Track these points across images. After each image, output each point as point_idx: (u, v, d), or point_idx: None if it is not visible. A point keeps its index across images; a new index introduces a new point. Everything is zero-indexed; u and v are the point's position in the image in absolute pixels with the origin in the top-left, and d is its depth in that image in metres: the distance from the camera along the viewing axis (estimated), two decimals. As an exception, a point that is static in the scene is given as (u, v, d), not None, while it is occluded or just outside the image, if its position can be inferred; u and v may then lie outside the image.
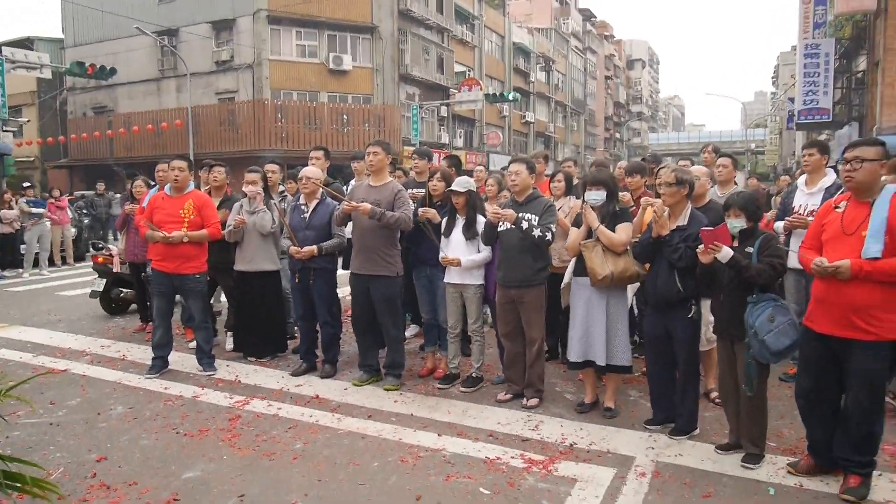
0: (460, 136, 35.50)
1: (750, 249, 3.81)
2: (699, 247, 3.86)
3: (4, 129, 21.49)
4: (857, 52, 24.90)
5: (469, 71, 36.00)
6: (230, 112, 26.73)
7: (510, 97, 31.97)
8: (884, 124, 18.77)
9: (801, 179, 5.60)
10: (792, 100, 34.40)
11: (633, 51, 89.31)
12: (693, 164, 7.85)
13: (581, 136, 58.93)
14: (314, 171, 5.70)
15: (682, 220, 4.26)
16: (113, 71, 23.10)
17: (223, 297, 7.02)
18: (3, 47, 20.52)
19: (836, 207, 3.60)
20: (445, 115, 33.36)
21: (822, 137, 31.62)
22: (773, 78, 62.52)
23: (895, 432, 4.38)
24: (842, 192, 3.73)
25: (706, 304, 4.49)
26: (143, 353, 6.39)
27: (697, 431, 4.32)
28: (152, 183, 7.29)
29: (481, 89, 30.71)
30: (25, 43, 30.27)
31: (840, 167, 3.85)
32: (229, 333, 6.62)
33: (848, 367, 3.44)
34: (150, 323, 7.20)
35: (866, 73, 22.93)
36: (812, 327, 3.58)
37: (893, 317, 3.32)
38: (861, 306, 3.33)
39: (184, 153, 23.93)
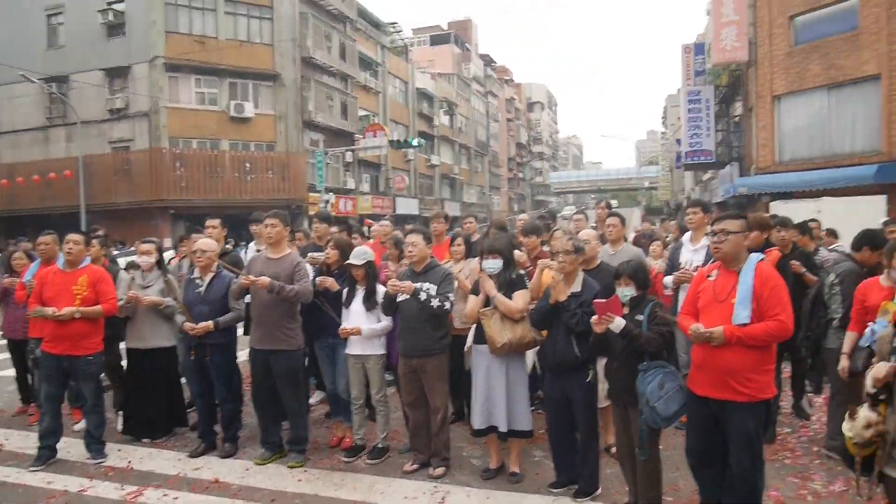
0: (366, 181, 35.58)
1: (640, 317, 3.99)
2: (593, 317, 4.01)
3: None
4: (733, 98, 26.92)
5: (373, 116, 36.31)
6: (125, 161, 25.72)
7: (414, 143, 32.40)
8: (759, 164, 20.32)
9: (687, 237, 5.95)
10: (679, 141, 36.68)
11: (532, 93, 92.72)
12: (586, 217, 8.25)
13: (485, 177, 60.33)
14: (209, 243, 5.56)
15: (577, 287, 4.43)
16: (-6, 121, 21.84)
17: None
18: None
19: (709, 276, 3.84)
20: (351, 160, 33.39)
21: (707, 177, 33.80)
22: (662, 118, 66.46)
23: (779, 477, 4.65)
24: (713, 262, 3.99)
25: (601, 363, 4.67)
26: (24, 441, 5.94)
27: (599, 491, 4.44)
28: (34, 255, 6.88)
29: (386, 135, 30.98)
30: None
31: (708, 240, 4.14)
32: (119, 413, 6.27)
33: (727, 427, 3.63)
34: (32, 404, 6.77)
35: (743, 117, 24.79)
36: (694, 390, 3.77)
37: (764, 378, 3.58)
38: (735, 369, 3.54)
39: (75, 207, 22.83)
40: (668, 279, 5.73)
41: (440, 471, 4.84)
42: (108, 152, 26.24)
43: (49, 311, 5.18)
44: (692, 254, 5.73)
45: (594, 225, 7.63)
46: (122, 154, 26.00)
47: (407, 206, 39.29)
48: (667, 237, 9.28)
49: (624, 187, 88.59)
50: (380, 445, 5.25)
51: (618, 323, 3.91)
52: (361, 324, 5.08)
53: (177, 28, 26.00)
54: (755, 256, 3.72)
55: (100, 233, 7.76)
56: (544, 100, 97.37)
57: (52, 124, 27.42)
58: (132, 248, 14.93)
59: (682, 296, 5.61)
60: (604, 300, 3.96)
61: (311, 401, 6.56)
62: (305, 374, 5.79)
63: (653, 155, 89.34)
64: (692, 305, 3.86)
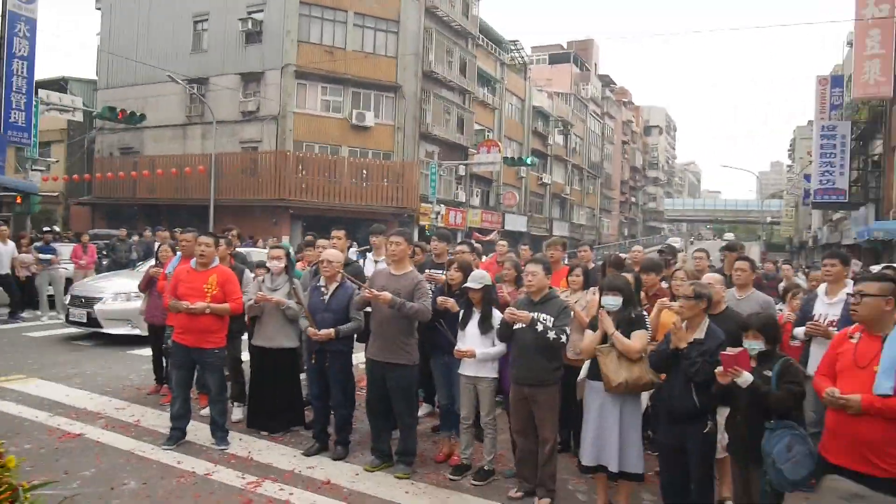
0: (477, 195, 35.92)
1: (769, 373, 3.85)
2: (718, 367, 3.91)
3: (33, 168, 22.03)
4: (873, 136, 25.21)
5: (488, 131, 36.67)
6: (252, 161, 27.29)
7: (528, 161, 32.49)
8: (899, 209, 18.91)
9: (822, 288, 5.67)
10: (808, 177, 34.70)
11: (650, 117, 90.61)
12: (707, 255, 8.00)
13: (597, 199, 59.40)
14: (335, 254, 5.85)
15: (700, 334, 4.32)
16: (142, 117, 23.79)
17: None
18: (38, 89, 21.18)
19: (851, 338, 3.64)
20: (463, 173, 33.85)
21: (837, 216, 31.73)
22: (789, 151, 63.07)
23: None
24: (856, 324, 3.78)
25: (722, 413, 4.54)
26: (157, 419, 6.46)
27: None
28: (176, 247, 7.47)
29: (500, 151, 31.25)
30: (60, 83, 31.27)
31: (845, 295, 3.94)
32: (236, 404, 6.70)
33: None
34: (164, 385, 7.34)
35: (883, 156, 23.18)
36: (827, 457, 3.57)
37: None
38: (872, 441, 3.32)
39: (205, 200, 24.44)
40: (799, 330, 5.49)
41: (545, 501, 4.84)
42: (238, 151, 27.94)
43: (184, 304, 5.63)
44: (827, 307, 5.47)
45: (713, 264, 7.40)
46: (250, 154, 27.60)
47: (516, 223, 39.35)
48: (797, 282, 8.74)
49: (743, 220, 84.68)
50: (486, 467, 5.31)
51: (745, 378, 3.78)
52: (476, 346, 5.18)
53: (308, 38, 27.40)
54: None
55: (233, 232, 8.32)
56: (663, 124, 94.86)
57: (191, 122, 29.51)
58: (258, 243, 15.89)
59: (812, 349, 5.38)
60: (731, 352, 3.85)
61: (419, 413, 6.72)
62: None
63: (776, 188, 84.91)
64: (830, 367, 3.67)
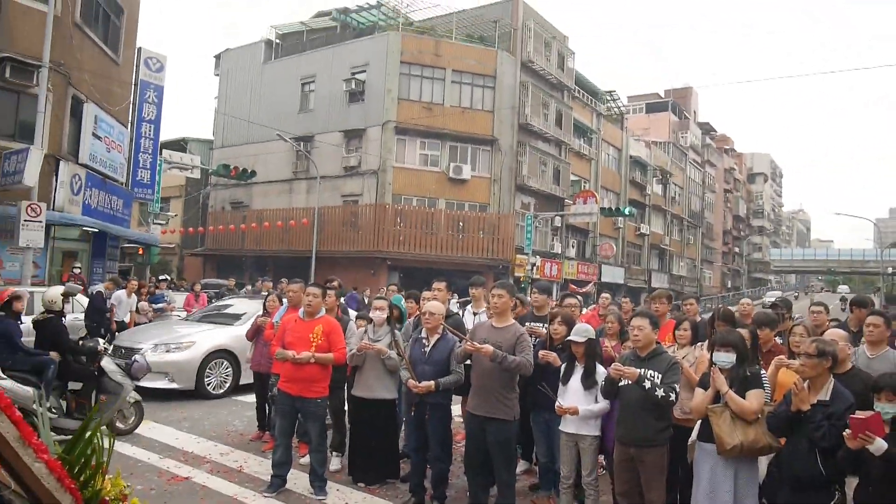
0: (573, 246, 35.50)
1: None
2: (847, 431, 3.61)
3: (154, 221, 23.70)
4: None
5: (585, 182, 36.40)
6: (353, 214, 28.24)
7: (626, 211, 31.92)
8: None
9: None
10: (934, 225, 32.14)
11: (754, 164, 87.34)
12: (827, 309, 7.47)
13: (698, 250, 57.35)
14: (438, 306, 5.88)
15: (825, 395, 4.01)
16: (253, 173, 25.24)
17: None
18: (162, 149, 22.94)
19: None
20: (559, 225, 33.61)
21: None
22: (911, 198, 58.86)
23: None
24: None
25: (851, 483, 4.16)
26: (259, 466, 6.60)
27: None
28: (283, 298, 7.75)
29: (596, 202, 30.90)
30: (181, 143, 33.80)
31: None
32: (335, 454, 6.76)
33: None
34: (267, 432, 7.53)
35: None
36: None
37: None
38: None
39: (308, 252, 25.38)
40: None
41: (651, 570, 4.57)
42: (339, 205, 29.01)
43: (290, 353, 5.79)
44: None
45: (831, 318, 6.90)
46: (350, 207, 28.59)
47: (613, 275, 38.51)
48: None
49: (859, 270, 79.20)
50: (586, 531, 5.09)
51: (878, 445, 3.47)
52: (578, 402, 5.03)
53: (408, 96, 28.38)
54: None
55: (335, 283, 8.55)
56: (768, 170, 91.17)
57: (297, 177, 30.99)
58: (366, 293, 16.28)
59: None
60: (862, 415, 3.54)
61: (517, 470, 6.54)
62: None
63: (897, 237, 79.13)
64: None
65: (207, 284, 21.07)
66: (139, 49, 19.32)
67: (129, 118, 19.29)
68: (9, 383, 6.32)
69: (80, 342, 7.57)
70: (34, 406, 6.38)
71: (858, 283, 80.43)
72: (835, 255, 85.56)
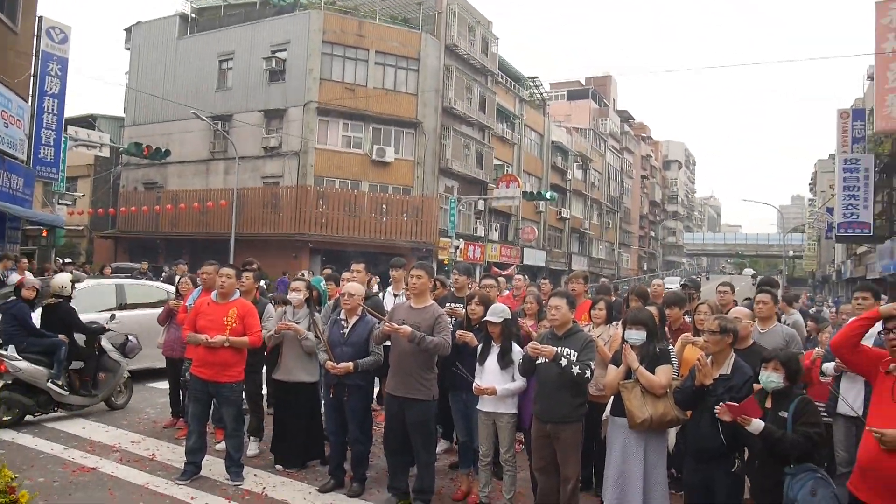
0: (496, 230, 35.91)
1: (784, 414, 3.71)
2: (719, 407, 3.83)
3: (60, 202, 22.42)
4: (897, 169, 24.92)
5: (507, 167, 36.79)
6: (273, 195, 27.57)
7: (547, 196, 32.49)
8: (926, 243, 18.57)
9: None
10: (830, 210, 34.28)
11: (669, 151, 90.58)
12: (733, 289, 7.84)
13: (616, 234, 59.12)
14: (357, 287, 5.80)
15: (726, 369, 4.20)
16: (167, 153, 24.22)
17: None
18: (68, 125, 21.67)
19: (887, 371, 3.50)
20: (482, 208, 33.89)
21: (863, 250, 31.25)
22: (810, 184, 62.54)
23: None
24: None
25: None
26: (172, 454, 6.39)
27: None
28: (197, 280, 7.49)
29: (519, 186, 31.30)
30: (88, 120, 32.02)
31: (882, 335, 3.77)
32: (252, 438, 6.61)
33: None
34: (181, 419, 7.29)
35: (908, 190, 22.85)
36: (856, 494, 3.43)
37: None
38: None
39: (226, 234, 24.66)
40: (829, 366, 5.31)
41: (566, 542, 4.69)
42: (259, 186, 28.25)
43: (202, 337, 5.60)
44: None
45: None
46: (271, 188, 27.90)
47: (535, 258, 39.21)
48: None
49: (764, 253, 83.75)
50: (505, 506, 5.16)
51: (756, 425, 3.70)
52: (495, 381, 5.08)
53: (331, 76, 27.84)
54: None
55: (254, 266, 8.32)
56: (682, 158, 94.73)
57: (214, 158, 29.96)
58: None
59: (843, 384, 5.19)
60: (735, 404, 3.77)
61: (437, 450, 6.58)
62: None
63: (798, 222, 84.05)
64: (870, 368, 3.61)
65: (119, 268, 20.14)
66: (40, 18, 18.06)
67: (31, 92, 18.08)
68: (24, 364, 7.01)
69: (90, 322, 7.91)
70: (48, 384, 7.18)
71: (763, 266, 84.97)
72: (742, 239, 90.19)
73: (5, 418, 7.02)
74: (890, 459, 3.21)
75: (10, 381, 7.04)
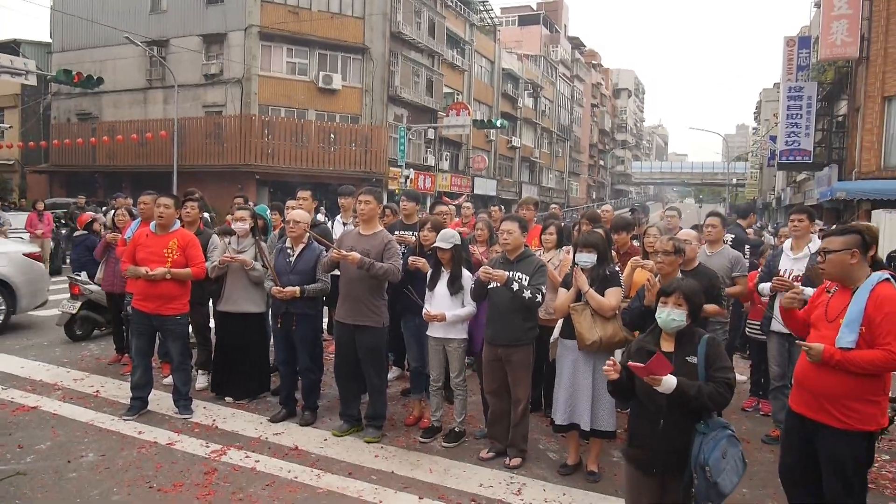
0: (446, 159, 35.60)
1: (693, 359, 3.17)
2: (609, 363, 3.35)
3: (-15, 134, 21.15)
4: (838, 97, 25.42)
5: (458, 94, 36.20)
6: (216, 125, 26.57)
7: (498, 124, 32.17)
8: (862, 168, 19.17)
9: (787, 244, 5.63)
10: (773, 138, 34.97)
11: (619, 80, 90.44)
12: (680, 214, 7.95)
13: (566, 162, 59.40)
14: (302, 214, 5.62)
15: (673, 289, 4.22)
16: (100, 80, 22.86)
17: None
18: (-12, 52, 20.23)
19: (828, 291, 3.59)
20: (432, 137, 33.45)
21: (801, 178, 32.17)
22: (755, 113, 63.57)
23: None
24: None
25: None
26: (118, 390, 6.24)
27: None
28: (135, 212, 7.17)
29: (469, 114, 30.86)
30: (11, 45, 30.00)
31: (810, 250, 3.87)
32: (200, 371, 6.51)
33: (819, 451, 3.40)
34: (126, 354, 7.10)
35: (847, 117, 23.39)
36: (791, 406, 3.57)
37: (868, 408, 3.28)
38: (833, 394, 3.31)
39: (168, 166, 23.78)
40: (765, 286, 5.44)
41: (517, 461, 4.78)
42: (201, 116, 27.16)
43: (142, 270, 5.38)
44: (793, 262, 5.44)
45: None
46: (213, 118, 26.86)
47: (485, 187, 39.17)
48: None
49: (709, 182, 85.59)
50: (456, 429, 5.22)
51: (668, 384, 3.03)
52: (444, 307, 5.04)
53: (273, -2, 26.53)
54: (877, 276, 3.36)
55: (196, 196, 7.99)
56: (632, 87, 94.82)
57: (152, 86, 28.55)
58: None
59: (778, 304, 5.32)
60: (640, 364, 3.05)
61: (388, 377, 6.60)
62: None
63: (742, 150, 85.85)
64: (806, 315, 3.67)
65: (55, 204, 19.30)
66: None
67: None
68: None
69: None
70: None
71: (708, 194, 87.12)
72: (689, 168, 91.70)
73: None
74: (818, 375, 3.35)
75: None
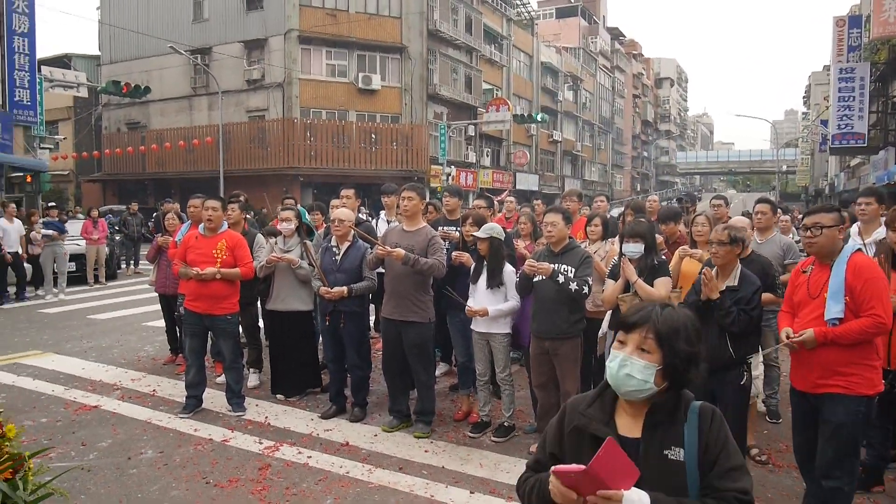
0: (487, 155, 35.50)
1: (678, 454, 1.80)
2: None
3: (41, 146, 21.92)
4: (893, 76, 24.47)
5: (497, 90, 36.07)
6: (260, 130, 27.06)
7: (538, 118, 31.98)
8: (921, 151, 18.42)
9: (854, 229, 5.44)
10: (824, 122, 33.89)
11: (661, 69, 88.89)
12: (727, 202, 7.76)
13: (608, 155, 58.66)
14: (346, 213, 5.68)
15: (733, 280, 4.08)
16: (147, 90, 23.57)
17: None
18: (42, 66, 20.97)
19: (804, 271, 3.71)
20: (473, 134, 33.40)
21: (855, 162, 31.10)
22: (804, 97, 61.73)
23: None
24: (808, 257, 3.82)
25: (756, 364, 4.39)
26: (174, 389, 6.41)
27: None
28: (184, 216, 7.34)
29: (509, 109, 30.73)
30: (63, 60, 31.05)
31: (800, 233, 3.86)
32: (252, 370, 6.63)
33: (821, 419, 3.53)
34: (180, 354, 7.28)
35: (903, 97, 22.50)
36: (795, 387, 3.69)
37: (864, 372, 3.41)
38: (831, 365, 3.43)
39: (215, 171, 24.28)
40: None
41: (567, 456, 4.73)
42: (245, 121, 27.69)
43: (193, 271, 5.50)
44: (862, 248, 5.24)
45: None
46: (257, 123, 27.35)
47: (527, 182, 38.97)
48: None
49: (757, 170, 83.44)
50: (505, 423, 5.20)
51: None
52: (486, 301, 5.01)
53: (310, 2, 26.90)
54: (849, 248, 3.58)
55: (241, 198, 8.14)
56: (674, 76, 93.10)
57: (196, 93, 29.23)
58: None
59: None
60: (575, 467, 1.62)
61: (436, 373, 6.61)
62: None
63: (791, 137, 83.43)
64: (790, 302, 3.74)
65: (110, 211, 19.93)
66: (0, -49, 17.25)
67: (-1, 32, 17.41)
68: None
69: None
70: None
71: (757, 182, 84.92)
72: (735, 156, 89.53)
73: None
74: (814, 353, 3.48)
75: None
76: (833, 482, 3.43)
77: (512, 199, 9.20)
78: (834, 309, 3.40)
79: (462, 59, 32.12)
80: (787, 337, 3.53)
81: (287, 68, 26.49)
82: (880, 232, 5.07)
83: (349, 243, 5.59)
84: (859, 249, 3.61)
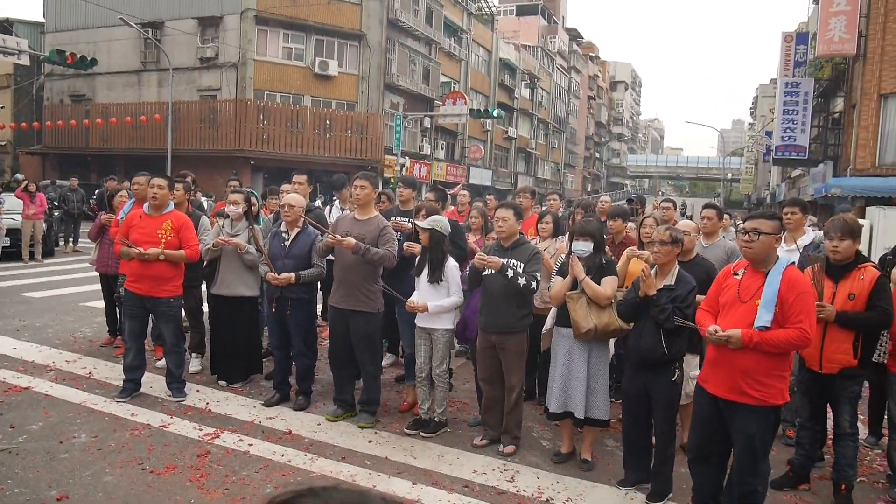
0: (442, 148, 35.47)
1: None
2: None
3: (-24, 114, 20.93)
4: (834, 93, 25.45)
5: (454, 83, 36.05)
6: (211, 110, 26.40)
7: (494, 113, 32.06)
8: (857, 165, 19.23)
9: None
10: (769, 133, 35.02)
11: (617, 72, 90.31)
12: (675, 205, 7.95)
13: (561, 154, 59.35)
14: (297, 198, 5.59)
15: (670, 280, 4.22)
16: (94, 62, 22.63)
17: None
18: (-20, 30, 20.00)
19: (735, 274, 3.77)
20: (429, 126, 33.33)
21: (796, 173, 32.25)
22: (751, 108, 63.67)
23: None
24: (740, 260, 3.91)
25: (688, 361, 4.52)
26: (111, 371, 6.21)
27: (672, 494, 4.29)
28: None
29: (466, 103, 30.74)
30: (4, 24, 29.71)
31: (738, 237, 4.03)
32: (194, 355, 6.48)
33: (731, 427, 3.64)
34: (118, 336, 7.06)
35: (843, 114, 23.42)
36: (705, 387, 3.76)
37: (776, 383, 3.51)
38: (748, 371, 3.50)
39: (162, 150, 23.62)
40: None
41: (510, 449, 4.79)
42: (196, 100, 26.97)
43: (135, 250, 5.33)
44: (785, 255, 5.43)
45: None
46: (208, 102, 26.68)
47: (481, 177, 39.11)
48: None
49: (703, 176, 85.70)
50: (436, 419, 5.13)
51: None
52: (428, 295, 4.97)
53: (269, -19, 26.30)
54: (785, 259, 3.64)
55: (188, 178, 7.93)
56: (628, 79, 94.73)
57: (146, 69, 28.33)
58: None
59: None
60: None
61: (382, 362, 6.59)
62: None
63: (737, 146, 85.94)
64: (714, 301, 3.81)
65: (47, 185, 19.14)
66: None
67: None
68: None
69: None
70: None
71: (703, 188, 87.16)
72: (684, 162, 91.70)
73: None
74: (733, 354, 3.53)
75: None
76: (748, 486, 3.61)
77: (465, 192, 9.23)
78: (765, 317, 3.45)
79: (421, 51, 31.98)
80: (715, 332, 3.58)
81: (242, 48, 25.92)
82: (804, 239, 5.30)
83: (299, 229, 5.51)
84: (793, 263, 3.69)
